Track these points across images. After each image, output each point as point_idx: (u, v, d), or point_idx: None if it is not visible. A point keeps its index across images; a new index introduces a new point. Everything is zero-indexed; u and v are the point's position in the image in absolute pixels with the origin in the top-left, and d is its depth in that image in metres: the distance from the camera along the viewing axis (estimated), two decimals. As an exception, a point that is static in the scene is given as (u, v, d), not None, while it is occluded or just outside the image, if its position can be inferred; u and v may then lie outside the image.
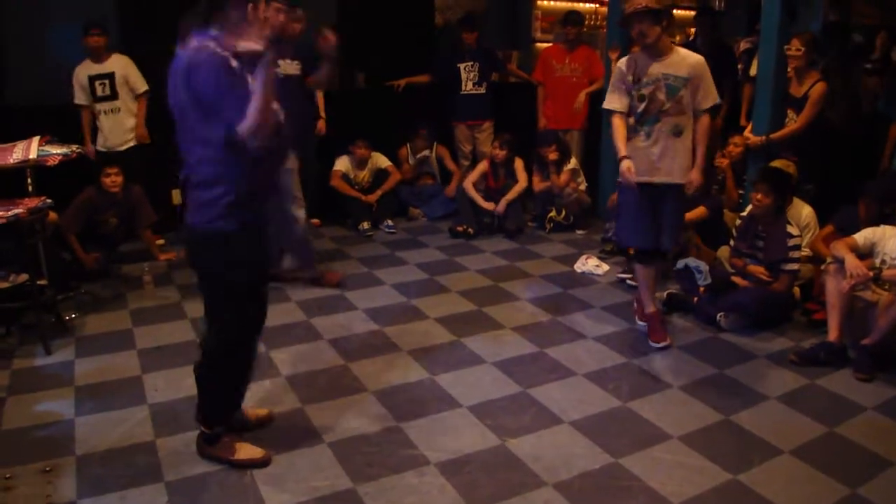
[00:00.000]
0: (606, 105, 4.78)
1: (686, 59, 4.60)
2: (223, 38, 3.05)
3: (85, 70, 6.33)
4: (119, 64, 6.40)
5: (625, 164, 4.59)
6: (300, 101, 5.77)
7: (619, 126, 4.69)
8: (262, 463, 3.50)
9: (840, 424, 3.91)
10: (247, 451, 3.53)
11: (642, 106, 4.60)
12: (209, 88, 2.96)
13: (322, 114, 7.20)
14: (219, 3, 3.06)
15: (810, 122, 5.68)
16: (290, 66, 5.45)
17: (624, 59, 4.72)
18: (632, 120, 4.67)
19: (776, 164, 5.55)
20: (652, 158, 4.65)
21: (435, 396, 4.18)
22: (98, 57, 6.33)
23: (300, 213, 5.60)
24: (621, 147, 4.65)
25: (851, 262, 4.42)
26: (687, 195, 4.82)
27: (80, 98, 6.38)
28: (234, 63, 3.00)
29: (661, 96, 4.56)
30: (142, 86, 6.53)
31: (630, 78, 4.61)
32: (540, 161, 7.43)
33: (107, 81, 6.32)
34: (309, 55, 5.32)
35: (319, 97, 7.17)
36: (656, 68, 4.56)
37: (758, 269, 5.14)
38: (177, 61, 3.05)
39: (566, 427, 3.87)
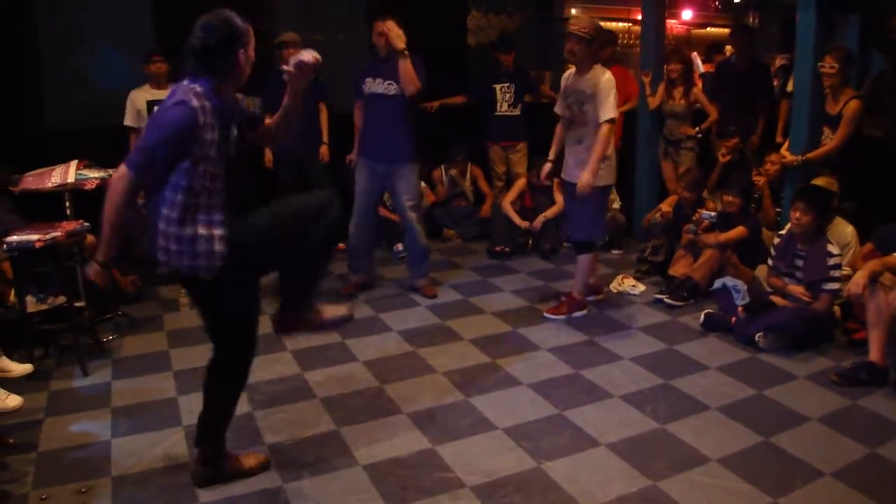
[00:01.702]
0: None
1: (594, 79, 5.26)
2: (213, 85, 3.13)
3: (144, 95, 6.41)
4: None
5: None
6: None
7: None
8: (262, 467, 3.61)
9: (883, 445, 3.82)
10: (253, 457, 3.64)
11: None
12: (151, 130, 3.19)
13: (325, 139, 7.13)
14: (206, 54, 3.12)
15: (845, 140, 5.62)
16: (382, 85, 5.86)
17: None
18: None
19: (818, 181, 5.49)
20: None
21: (470, 418, 4.16)
22: (160, 83, 6.41)
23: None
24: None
25: (856, 276, 4.42)
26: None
27: (130, 120, 6.43)
28: (202, 118, 3.07)
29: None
30: None
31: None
32: None
33: None
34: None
35: (324, 123, 7.13)
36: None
37: (797, 290, 5.08)
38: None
39: (603, 449, 3.83)
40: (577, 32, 5.20)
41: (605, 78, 5.21)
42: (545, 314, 5.66)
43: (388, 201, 7.55)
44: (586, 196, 5.25)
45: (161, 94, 6.35)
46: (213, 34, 3.11)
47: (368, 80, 5.90)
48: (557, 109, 5.60)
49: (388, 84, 5.80)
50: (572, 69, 5.47)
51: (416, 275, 6.25)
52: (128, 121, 6.46)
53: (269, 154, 6.99)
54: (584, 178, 5.17)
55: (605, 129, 5.16)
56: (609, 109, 5.16)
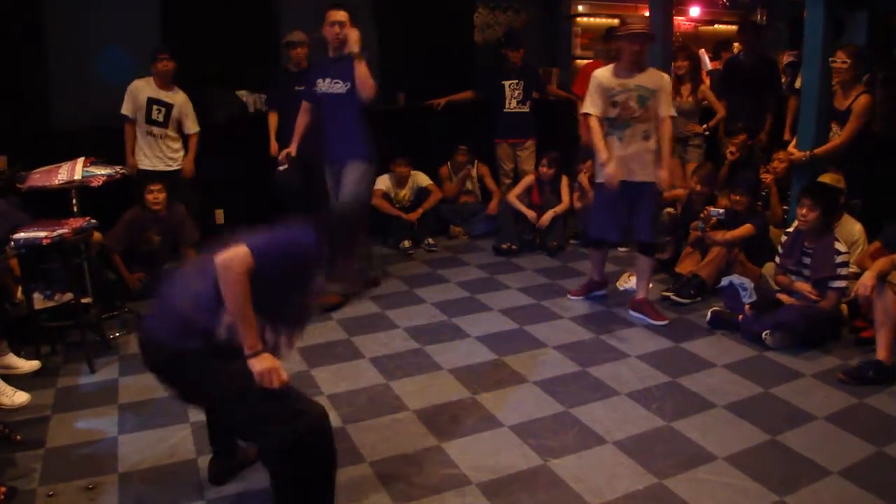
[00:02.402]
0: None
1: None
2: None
3: (147, 90, 6.36)
4: (180, 99, 6.48)
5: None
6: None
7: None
8: None
9: (890, 444, 3.81)
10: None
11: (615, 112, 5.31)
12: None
13: None
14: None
15: (853, 135, 5.60)
16: (334, 85, 5.64)
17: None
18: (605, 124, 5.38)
19: (825, 178, 5.47)
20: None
21: (476, 415, 4.16)
22: (165, 82, 6.40)
23: None
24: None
25: (864, 276, 4.43)
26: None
27: (127, 110, 6.36)
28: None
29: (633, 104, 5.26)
30: (194, 127, 6.60)
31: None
32: (576, 178, 7.41)
33: (164, 109, 6.38)
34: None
35: None
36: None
37: (804, 287, 5.07)
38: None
39: (609, 447, 3.83)
40: (646, 32, 5.26)
41: (665, 75, 5.41)
42: (631, 312, 5.64)
43: (392, 196, 7.57)
44: (656, 196, 5.45)
45: (166, 95, 6.37)
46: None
47: (320, 81, 5.81)
48: (594, 110, 5.30)
49: (338, 83, 5.73)
50: (608, 68, 5.40)
51: None
52: (125, 109, 6.38)
53: (274, 144, 6.98)
54: (664, 175, 5.28)
55: (669, 124, 5.28)
56: (672, 105, 5.34)
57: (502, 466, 3.65)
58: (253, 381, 2.87)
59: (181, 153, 6.57)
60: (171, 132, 6.48)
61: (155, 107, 6.36)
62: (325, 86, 5.78)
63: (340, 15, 5.63)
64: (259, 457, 3.12)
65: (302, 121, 6.00)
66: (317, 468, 2.99)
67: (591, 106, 5.31)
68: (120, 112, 6.37)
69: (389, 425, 4.07)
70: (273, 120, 7.00)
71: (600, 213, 5.60)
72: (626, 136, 5.30)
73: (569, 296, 6.03)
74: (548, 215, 7.32)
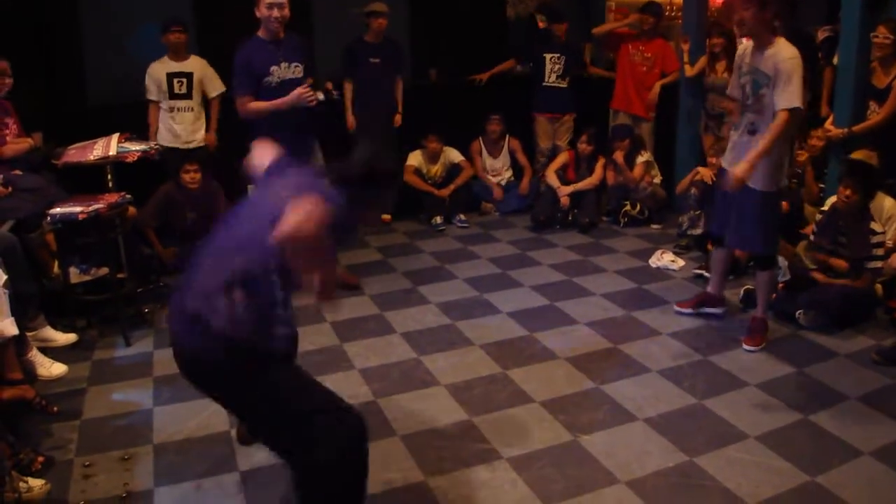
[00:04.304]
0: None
1: (775, 56, 4.33)
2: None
3: (163, 67, 6.38)
4: (198, 65, 6.48)
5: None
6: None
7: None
8: None
9: (924, 425, 3.78)
10: None
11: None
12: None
13: (399, 108, 7.22)
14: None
15: (893, 114, 5.51)
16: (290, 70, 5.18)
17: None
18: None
19: (858, 155, 5.39)
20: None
21: (507, 391, 4.18)
22: (178, 54, 6.40)
23: None
24: None
25: None
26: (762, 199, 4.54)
27: (152, 94, 6.40)
28: None
29: (748, 90, 4.48)
30: (219, 86, 6.52)
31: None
32: (610, 155, 7.36)
33: (185, 80, 6.39)
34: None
35: (399, 90, 7.22)
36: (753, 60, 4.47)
37: (840, 263, 5.01)
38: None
39: (640, 424, 3.83)
40: None
41: (789, 56, 4.26)
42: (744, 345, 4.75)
43: (424, 172, 7.56)
44: (755, 198, 4.51)
45: (181, 66, 6.37)
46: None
47: (274, 68, 5.07)
48: (731, 91, 4.72)
49: (296, 66, 5.15)
50: (748, 43, 4.58)
51: None
52: (150, 94, 6.40)
53: (350, 118, 7.07)
54: (739, 167, 4.29)
55: (782, 117, 4.24)
56: (791, 96, 4.23)
57: (532, 441, 3.67)
58: (293, 393, 2.70)
59: (201, 132, 6.57)
60: (195, 104, 6.48)
61: (175, 80, 6.38)
62: (280, 72, 5.11)
63: None
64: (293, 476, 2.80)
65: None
66: (351, 487, 2.77)
67: (730, 87, 4.74)
68: (146, 98, 6.42)
69: (420, 399, 4.09)
70: (349, 90, 7.08)
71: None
72: (739, 124, 4.62)
73: (676, 307, 5.27)
74: (565, 190, 7.33)
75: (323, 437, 2.63)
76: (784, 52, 4.28)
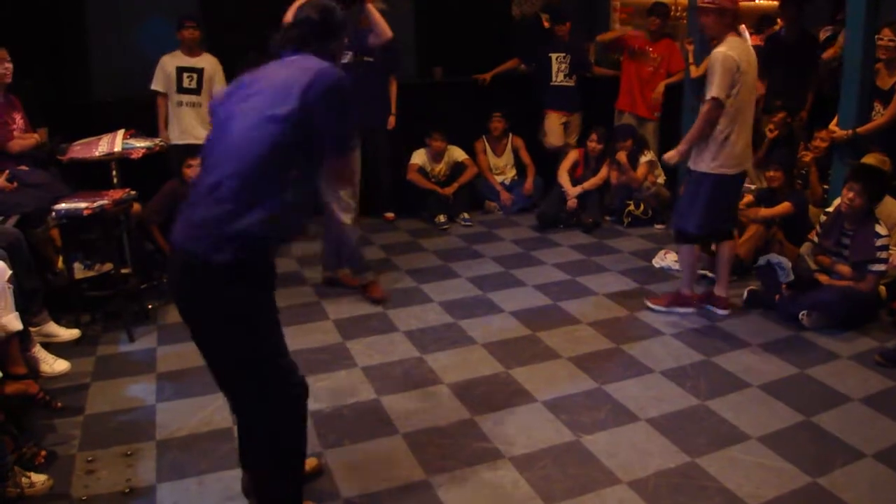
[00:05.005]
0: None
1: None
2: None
3: (175, 61, 6.44)
4: (210, 62, 6.52)
5: None
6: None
7: None
8: None
9: (927, 428, 3.78)
10: None
11: None
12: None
13: (393, 109, 7.20)
14: (325, 32, 2.88)
15: (898, 115, 5.50)
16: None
17: None
18: None
19: (869, 158, 5.38)
20: None
21: (510, 390, 4.18)
22: (191, 50, 6.44)
23: (346, 219, 5.31)
24: None
25: None
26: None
27: (158, 84, 6.46)
28: None
29: None
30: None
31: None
32: (614, 155, 7.36)
33: (195, 75, 6.43)
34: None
35: (393, 92, 7.19)
36: None
37: (844, 269, 5.01)
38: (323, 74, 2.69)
39: (642, 424, 3.83)
40: (704, 4, 4.74)
41: (717, 51, 4.68)
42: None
43: (428, 171, 7.56)
44: (694, 177, 4.93)
45: (193, 61, 6.41)
46: (332, 15, 2.91)
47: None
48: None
49: None
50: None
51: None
52: (156, 85, 6.48)
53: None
54: (671, 151, 5.05)
55: (705, 106, 4.72)
56: (711, 87, 4.66)
57: (535, 441, 3.67)
58: (270, 328, 2.77)
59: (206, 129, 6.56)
60: (203, 101, 6.50)
61: (185, 74, 6.41)
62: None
63: None
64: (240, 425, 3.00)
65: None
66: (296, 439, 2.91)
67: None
68: (151, 88, 6.45)
69: (423, 398, 4.10)
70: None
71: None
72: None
73: (648, 303, 5.37)
74: (574, 191, 7.33)
75: (280, 381, 2.78)
76: (717, 49, 4.71)
